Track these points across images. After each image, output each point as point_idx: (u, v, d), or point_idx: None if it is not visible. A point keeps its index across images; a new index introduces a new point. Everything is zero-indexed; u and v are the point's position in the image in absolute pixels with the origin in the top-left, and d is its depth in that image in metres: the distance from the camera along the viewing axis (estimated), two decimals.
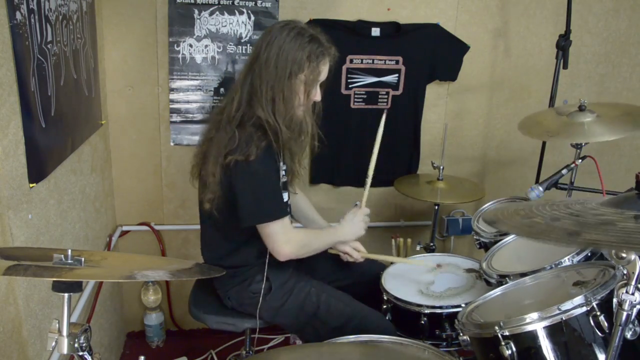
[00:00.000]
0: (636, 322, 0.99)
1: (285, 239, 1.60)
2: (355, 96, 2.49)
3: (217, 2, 2.24)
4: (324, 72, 1.61)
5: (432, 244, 2.44)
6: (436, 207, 2.37)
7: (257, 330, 1.71)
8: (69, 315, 0.98)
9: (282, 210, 1.61)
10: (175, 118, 2.37)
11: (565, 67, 2.26)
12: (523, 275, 1.50)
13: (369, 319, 1.65)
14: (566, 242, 0.89)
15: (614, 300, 0.98)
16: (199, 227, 1.80)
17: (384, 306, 1.74)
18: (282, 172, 1.74)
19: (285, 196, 1.76)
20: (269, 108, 1.56)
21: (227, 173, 1.55)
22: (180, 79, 2.32)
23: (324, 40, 1.60)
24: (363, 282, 1.88)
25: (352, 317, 1.64)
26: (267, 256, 1.67)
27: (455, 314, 1.44)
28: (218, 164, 1.56)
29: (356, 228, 1.79)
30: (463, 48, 2.51)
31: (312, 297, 1.67)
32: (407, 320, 1.69)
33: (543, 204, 1.12)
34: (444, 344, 1.65)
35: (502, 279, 1.55)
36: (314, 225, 1.98)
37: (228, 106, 1.62)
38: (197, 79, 2.33)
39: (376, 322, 1.66)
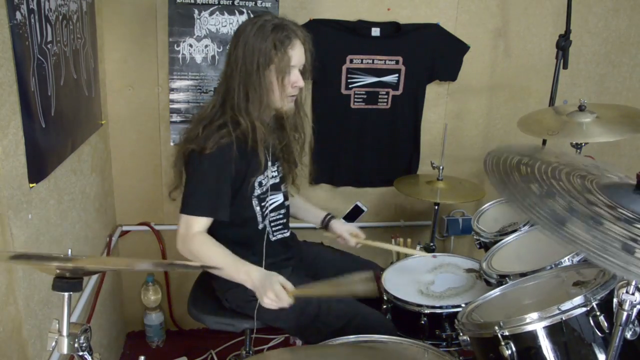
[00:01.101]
0: (636, 322, 0.99)
1: (181, 235, 1.58)
2: (355, 96, 2.49)
3: (217, 2, 2.24)
4: (295, 56, 1.58)
5: (432, 244, 2.44)
6: (436, 207, 2.37)
7: (254, 331, 1.71)
8: (69, 315, 0.98)
9: (195, 207, 1.58)
10: (175, 118, 2.37)
11: (565, 67, 2.26)
12: (523, 275, 1.50)
13: (370, 319, 1.65)
14: (551, 230, 0.88)
15: (614, 300, 0.98)
16: None
17: (384, 306, 1.74)
18: (274, 174, 1.74)
19: (279, 197, 1.77)
20: (242, 107, 1.58)
21: (184, 162, 1.63)
22: (180, 79, 2.32)
23: (290, 25, 1.58)
24: None
25: (354, 318, 1.64)
26: (264, 258, 1.67)
27: (455, 314, 1.44)
28: (179, 156, 1.65)
29: (263, 290, 1.49)
30: (463, 48, 2.51)
31: (312, 300, 1.66)
32: (407, 320, 1.69)
33: (549, 162, 1.10)
34: (444, 344, 1.65)
35: (502, 279, 1.55)
36: (311, 213, 2.01)
37: (204, 108, 1.67)
38: (197, 79, 2.33)
39: (377, 321, 1.66)
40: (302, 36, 1.61)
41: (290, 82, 1.59)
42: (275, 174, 1.76)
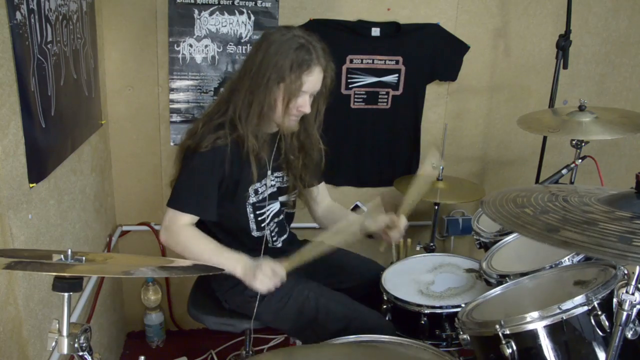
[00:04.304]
0: (637, 321, 0.99)
1: (166, 226, 1.59)
2: (355, 96, 2.49)
3: (217, 2, 2.24)
4: (308, 83, 1.52)
5: (432, 244, 2.44)
6: (436, 207, 2.37)
7: (252, 331, 1.71)
8: (69, 315, 0.98)
9: (183, 203, 1.59)
10: (175, 118, 2.37)
11: (565, 67, 2.26)
12: (523, 275, 1.50)
13: (368, 321, 1.64)
14: (543, 239, 0.89)
15: (614, 300, 0.98)
16: None
17: (384, 306, 1.74)
18: (272, 183, 1.73)
19: (276, 205, 1.75)
20: (243, 113, 1.55)
21: (181, 157, 1.64)
22: (180, 79, 2.32)
23: (318, 49, 1.53)
24: (363, 283, 1.87)
25: (352, 320, 1.62)
26: (261, 258, 1.66)
27: (455, 314, 1.44)
28: (179, 149, 1.66)
29: (254, 269, 1.53)
30: (463, 48, 2.51)
31: (310, 302, 1.65)
32: (407, 320, 1.68)
33: (544, 192, 1.11)
34: (444, 344, 1.65)
35: (502, 278, 1.55)
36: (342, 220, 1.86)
37: (212, 103, 1.67)
38: (197, 79, 2.33)
39: (376, 322, 1.65)
40: (325, 63, 1.55)
41: (295, 106, 1.55)
42: (274, 182, 1.75)
